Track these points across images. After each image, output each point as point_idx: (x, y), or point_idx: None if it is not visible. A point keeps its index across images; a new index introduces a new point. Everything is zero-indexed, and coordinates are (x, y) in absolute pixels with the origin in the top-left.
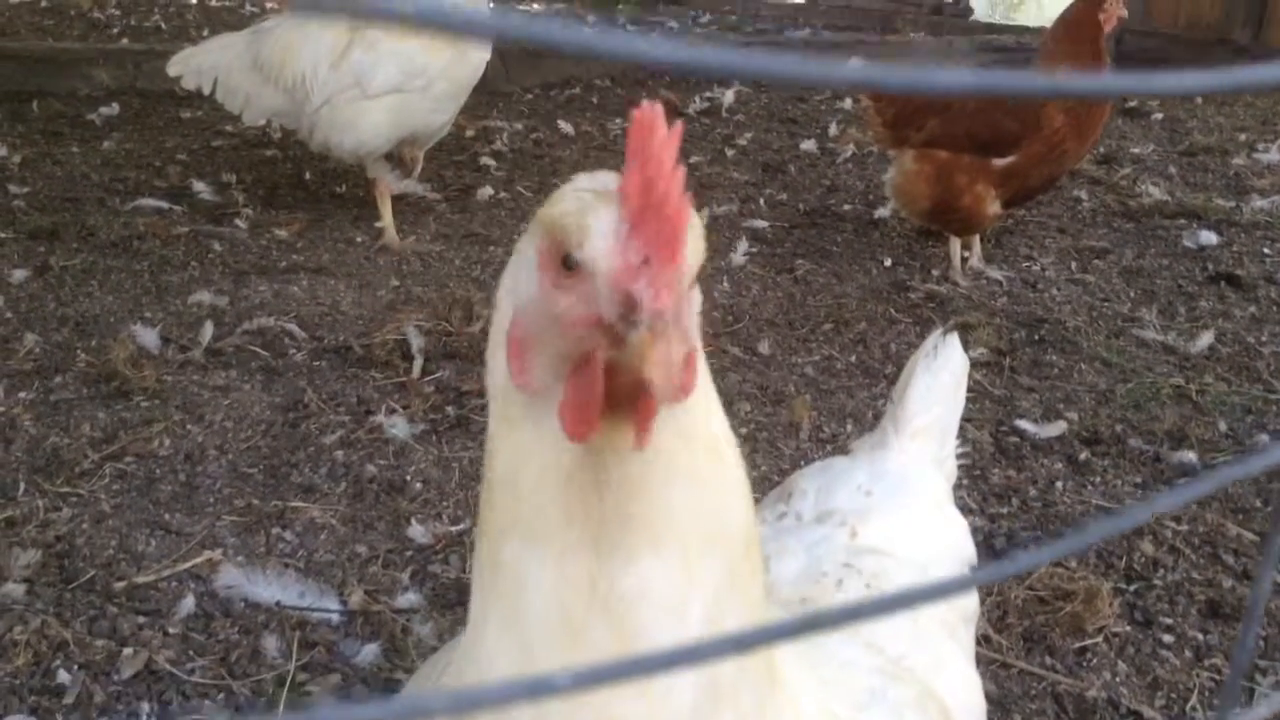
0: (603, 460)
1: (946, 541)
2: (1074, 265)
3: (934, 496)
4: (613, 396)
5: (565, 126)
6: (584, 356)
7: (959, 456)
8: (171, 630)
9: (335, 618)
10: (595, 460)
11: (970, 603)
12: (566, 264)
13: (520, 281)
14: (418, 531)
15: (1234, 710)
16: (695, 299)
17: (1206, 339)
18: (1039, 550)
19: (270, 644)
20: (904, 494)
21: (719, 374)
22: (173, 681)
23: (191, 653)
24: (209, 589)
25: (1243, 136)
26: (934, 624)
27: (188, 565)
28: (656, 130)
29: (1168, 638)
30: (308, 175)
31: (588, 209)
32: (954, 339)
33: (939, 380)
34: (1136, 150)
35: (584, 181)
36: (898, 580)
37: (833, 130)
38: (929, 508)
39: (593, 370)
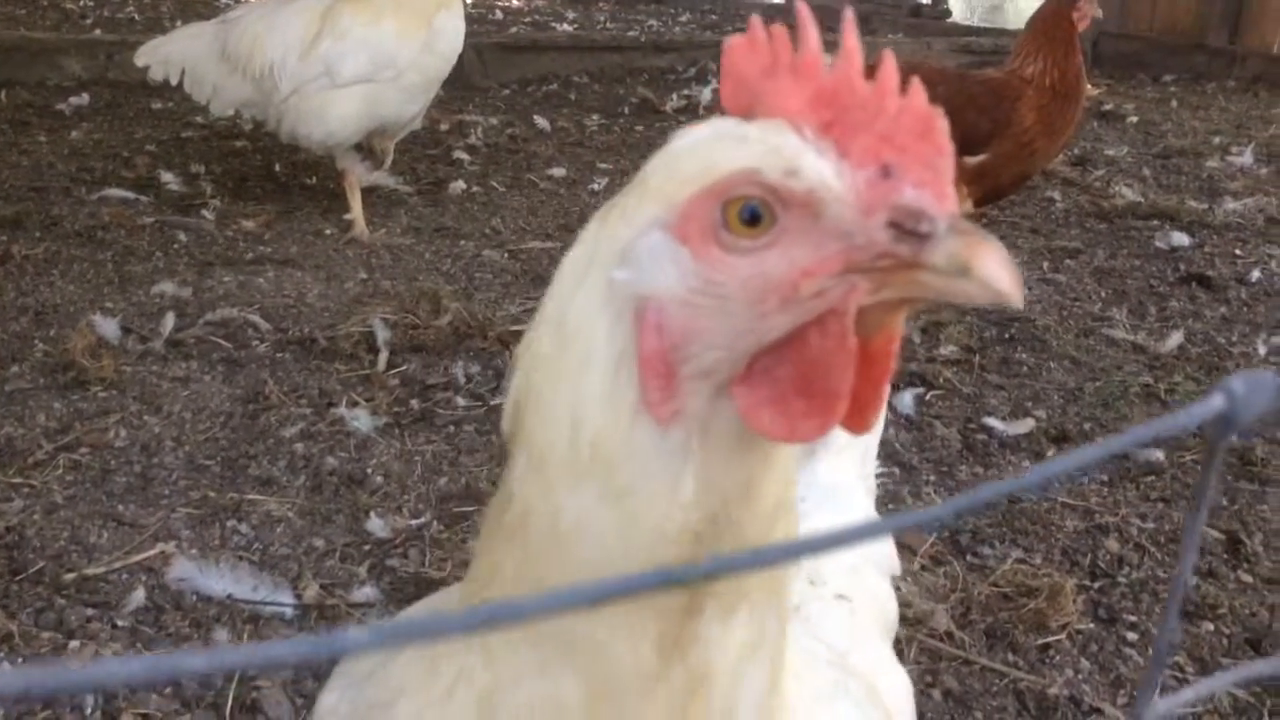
0: (741, 504)
1: (875, 550)
2: (1046, 265)
3: (863, 508)
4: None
5: (541, 122)
6: (802, 327)
7: (878, 476)
8: (120, 623)
9: (289, 612)
10: (736, 507)
11: (891, 612)
12: (744, 219)
13: (646, 272)
14: (377, 525)
15: (1149, 699)
16: None
17: (1176, 339)
18: (940, 506)
19: (221, 638)
20: (835, 502)
21: None
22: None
23: (140, 646)
24: (160, 582)
25: (1216, 140)
26: (871, 625)
27: (140, 557)
28: (807, 30)
29: (1131, 635)
30: (277, 167)
31: (768, 135)
32: None
33: None
34: (1110, 152)
35: (698, 131)
36: (835, 579)
37: None
38: (859, 517)
39: (838, 329)
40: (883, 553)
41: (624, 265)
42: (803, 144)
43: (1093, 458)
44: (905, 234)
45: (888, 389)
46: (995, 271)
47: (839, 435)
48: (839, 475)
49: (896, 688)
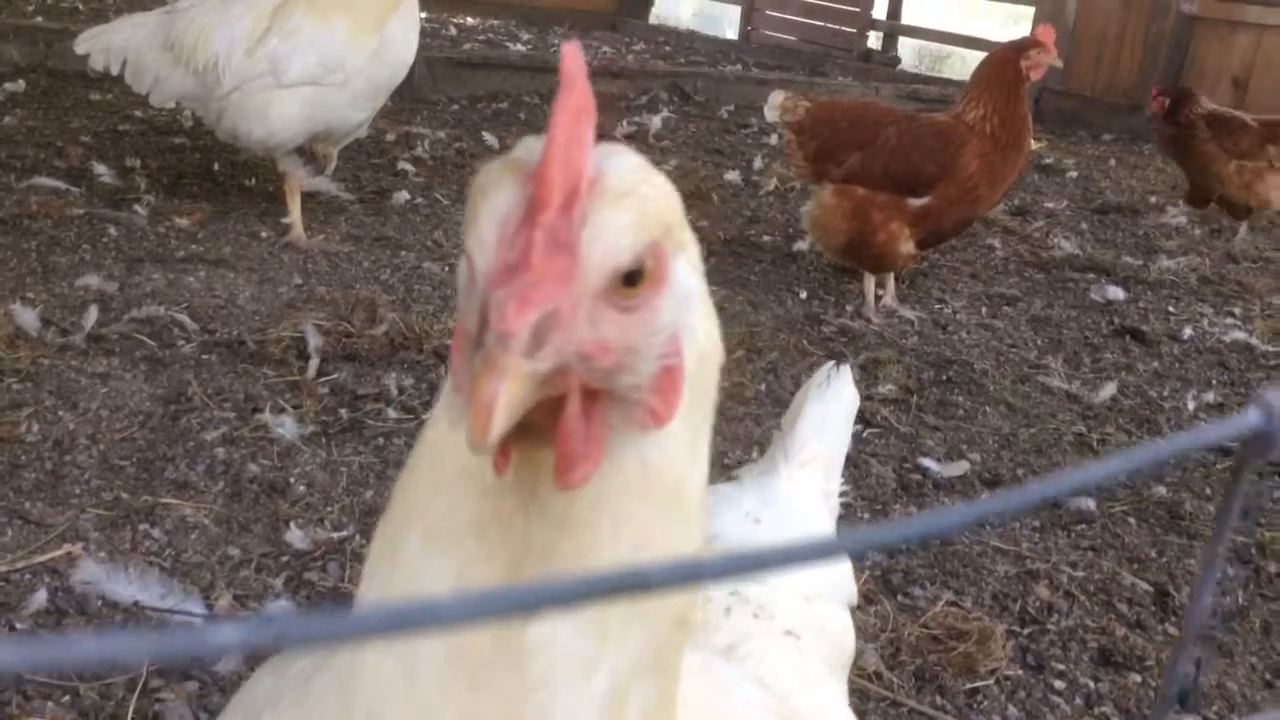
0: (537, 487)
1: (832, 578)
2: (984, 310)
3: (822, 529)
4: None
5: (489, 138)
6: None
7: (840, 495)
8: (18, 625)
9: (198, 622)
10: (528, 483)
11: (848, 646)
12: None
13: (461, 264)
14: (296, 536)
15: None
16: (687, 295)
17: (1109, 390)
18: (898, 524)
19: None
20: (793, 524)
21: None
22: (13, 681)
23: None
24: (65, 584)
25: (1153, 199)
26: (821, 663)
27: (45, 558)
28: (575, 83)
29: (1059, 683)
30: (216, 166)
31: (490, 185)
32: (846, 372)
33: (830, 411)
34: (1050, 205)
35: (521, 147)
36: (784, 613)
37: (758, 164)
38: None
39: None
40: (843, 581)
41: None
42: (504, 203)
43: (1115, 470)
44: (480, 330)
45: (571, 450)
46: (471, 409)
47: (805, 446)
48: (800, 491)
49: None
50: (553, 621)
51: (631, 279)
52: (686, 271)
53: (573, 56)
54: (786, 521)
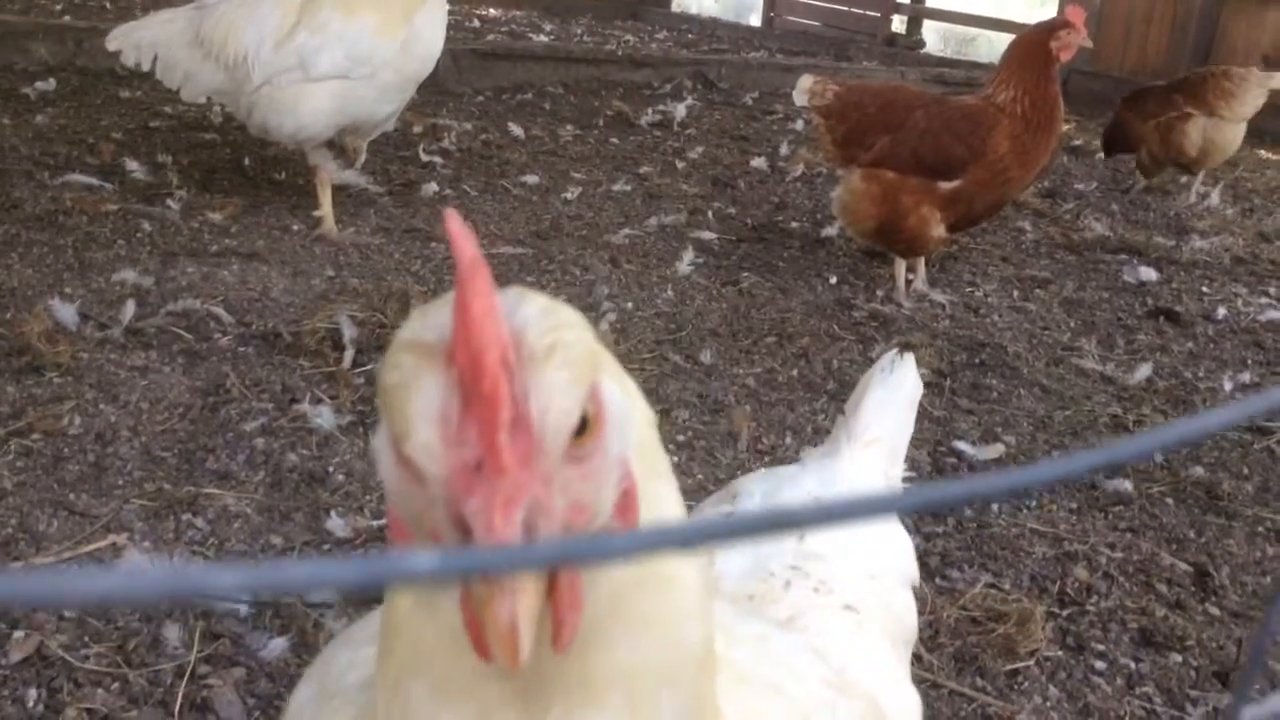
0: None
1: (893, 556)
2: (1016, 293)
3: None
4: None
5: (515, 129)
6: None
7: (904, 482)
8: (67, 614)
9: (243, 609)
10: None
11: (910, 623)
12: (400, 453)
13: (380, 449)
14: (337, 524)
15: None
16: (622, 415)
17: (1144, 371)
18: (965, 480)
19: (171, 633)
20: None
21: (659, 381)
22: (64, 668)
23: (87, 639)
24: None
25: (1184, 179)
26: (881, 637)
27: (90, 548)
28: (465, 245)
29: (1100, 664)
30: (246, 161)
31: (410, 381)
32: (910, 359)
33: (894, 396)
34: (1080, 186)
35: (415, 324)
36: (845, 588)
37: (784, 150)
38: (881, 527)
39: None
40: (905, 562)
41: (380, 435)
42: (434, 399)
43: (1230, 418)
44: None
45: (562, 622)
46: (494, 635)
47: (868, 429)
48: (862, 472)
49: (904, 707)
50: None
51: (579, 430)
52: (612, 389)
53: (453, 219)
54: None
